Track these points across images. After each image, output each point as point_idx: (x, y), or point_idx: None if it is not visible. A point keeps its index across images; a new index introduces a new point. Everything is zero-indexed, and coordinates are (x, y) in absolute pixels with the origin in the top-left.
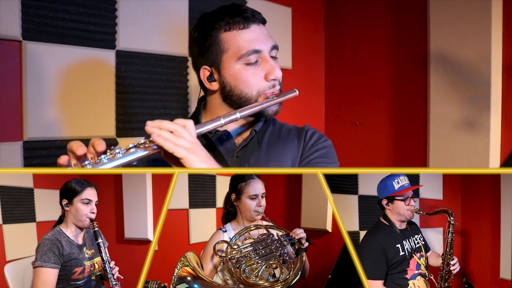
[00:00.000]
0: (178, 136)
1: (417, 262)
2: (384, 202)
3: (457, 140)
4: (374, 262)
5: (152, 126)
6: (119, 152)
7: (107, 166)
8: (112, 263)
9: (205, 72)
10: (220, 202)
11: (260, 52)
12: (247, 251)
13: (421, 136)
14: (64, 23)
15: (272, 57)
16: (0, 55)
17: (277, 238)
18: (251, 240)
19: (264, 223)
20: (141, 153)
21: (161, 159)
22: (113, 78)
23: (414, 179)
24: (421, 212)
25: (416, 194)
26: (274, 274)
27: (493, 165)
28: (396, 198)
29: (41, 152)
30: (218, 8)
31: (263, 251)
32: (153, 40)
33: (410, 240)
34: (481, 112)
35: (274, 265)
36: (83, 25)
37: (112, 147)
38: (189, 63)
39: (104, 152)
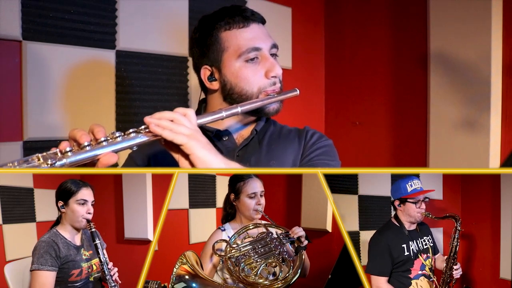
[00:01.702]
0: (178, 123)
1: (422, 263)
2: (396, 203)
3: (457, 140)
4: (380, 259)
5: (151, 117)
6: (119, 137)
7: (107, 150)
8: (111, 264)
9: (205, 71)
10: (220, 202)
11: (260, 49)
12: (246, 249)
13: (421, 136)
14: (64, 23)
15: (272, 55)
16: (0, 55)
17: (276, 236)
18: (250, 239)
19: (264, 221)
20: (141, 139)
21: (161, 160)
22: (113, 78)
23: None
24: (430, 216)
25: None
26: (275, 272)
27: (493, 165)
28: (408, 200)
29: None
30: (218, 9)
31: (262, 250)
32: (153, 40)
33: (417, 241)
34: (481, 112)
35: (273, 264)
36: (83, 25)
37: (113, 132)
38: (189, 63)
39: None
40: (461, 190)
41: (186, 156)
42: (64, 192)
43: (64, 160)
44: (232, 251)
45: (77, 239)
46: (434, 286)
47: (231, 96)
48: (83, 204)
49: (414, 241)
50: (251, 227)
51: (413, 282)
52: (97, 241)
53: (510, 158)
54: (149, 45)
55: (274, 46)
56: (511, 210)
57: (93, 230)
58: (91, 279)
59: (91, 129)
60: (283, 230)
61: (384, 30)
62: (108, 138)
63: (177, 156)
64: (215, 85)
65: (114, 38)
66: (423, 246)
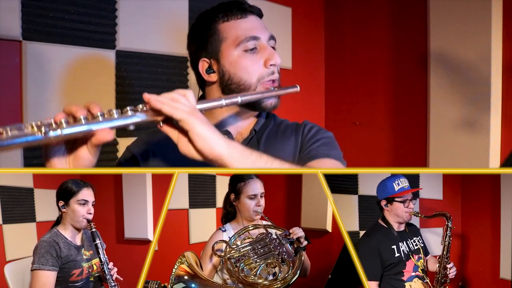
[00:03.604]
0: (177, 101)
1: (415, 264)
2: (383, 203)
3: (457, 140)
4: (369, 263)
5: (149, 94)
6: (115, 113)
7: (103, 125)
8: (111, 264)
9: (204, 64)
10: (220, 202)
11: (258, 39)
12: (246, 250)
13: (421, 136)
14: (64, 23)
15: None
16: (0, 55)
17: (275, 237)
18: (250, 240)
19: (264, 222)
20: (138, 118)
21: (162, 160)
22: (113, 78)
23: (414, 179)
24: (419, 215)
25: (415, 194)
26: (275, 272)
27: (493, 165)
28: (395, 199)
29: (41, 152)
30: (216, 5)
31: (261, 250)
32: (153, 40)
33: (407, 242)
34: (481, 112)
35: (273, 264)
36: (83, 25)
37: (109, 109)
38: (189, 63)
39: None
40: (461, 190)
41: (186, 134)
42: (65, 192)
43: (59, 131)
44: (232, 251)
45: (77, 239)
46: (428, 287)
47: (230, 87)
48: (84, 204)
49: (404, 242)
50: (251, 228)
51: (407, 284)
52: (98, 241)
53: (510, 158)
54: (149, 45)
55: (272, 37)
56: (511, 210)
57: (94, 230)
58: (91, 279)
59: (86, 106)
60: (283, 231)
61: (384, 30)
62: (105, 114)
63: (175, 136)
64: (213, 77)
65: (114, 38)
66: (414, 247)
